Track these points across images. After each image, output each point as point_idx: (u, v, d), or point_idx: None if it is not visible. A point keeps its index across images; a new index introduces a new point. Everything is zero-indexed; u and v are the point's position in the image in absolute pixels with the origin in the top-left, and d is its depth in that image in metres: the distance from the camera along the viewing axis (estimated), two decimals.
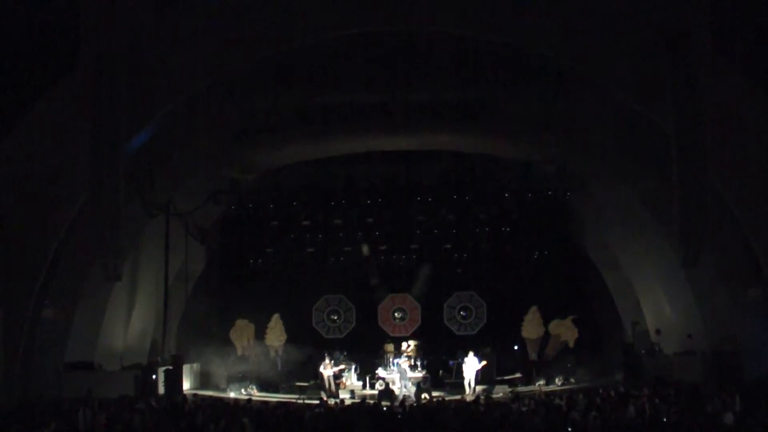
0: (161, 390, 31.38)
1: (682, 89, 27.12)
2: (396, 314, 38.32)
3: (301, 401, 28.91)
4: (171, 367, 32.26)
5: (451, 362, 35.45)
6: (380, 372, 34.14)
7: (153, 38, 28.82)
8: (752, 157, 28.17)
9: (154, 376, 31.57)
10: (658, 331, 33.77)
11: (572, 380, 34.39)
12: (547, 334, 36.84)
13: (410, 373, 32.74)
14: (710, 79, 27.54)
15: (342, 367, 34.32)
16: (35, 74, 29.43)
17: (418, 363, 34.16)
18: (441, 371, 35.53)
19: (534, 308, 36.87)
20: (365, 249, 37.93)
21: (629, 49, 28.08)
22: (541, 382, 33.91)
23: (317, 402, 26.97)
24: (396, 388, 32.22)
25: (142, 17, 28.89)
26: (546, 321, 36.73)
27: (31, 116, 29.35)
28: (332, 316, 38.45)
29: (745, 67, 28.46)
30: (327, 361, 33.50)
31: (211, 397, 31.11)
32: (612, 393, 25.56)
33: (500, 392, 31.95)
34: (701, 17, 27.97)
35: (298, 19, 28.23)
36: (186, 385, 33.44)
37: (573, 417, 21.08)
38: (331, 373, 33.19)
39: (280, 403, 26.57)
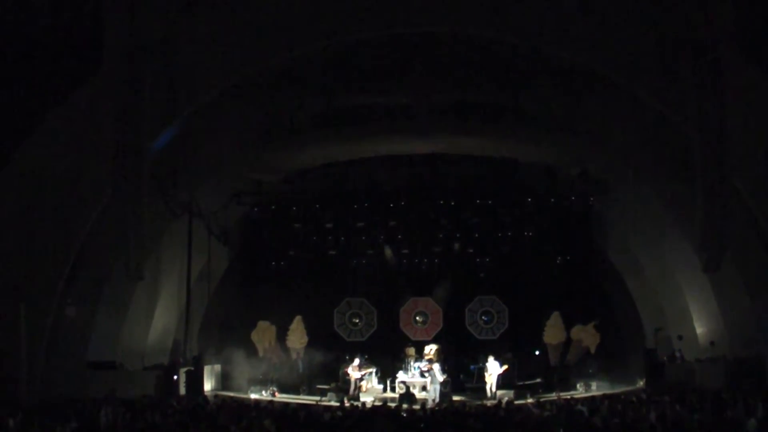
0: (182, 391, 31.46)
1: (707, 93, 26.96)
2: (417, 318, 38.29)
3: (321, 403, 28.87)
4: (192, 368, 32.34)
5: (472, 366, 35.32)
6: (401, 375, 34.07)
7: (178, 38, 28.77)
8: None
9: (175, 377, 31.63)
10: (680, 338, 33.60)
11: (594, 386, 34.19)
12: (568, 339, 36.70)
13: (439, 377, 32.50)
14: (736, 84, 27.38)
15: (370, 370, 34.27)
16: (61, 73, 29.56)
17: (439, 367, 34.06)
18: (462, 375, 35.41)
19: (556, 313, 36.73)
20: (388, 253, 37.88)
21: (655, 53, 27.88)
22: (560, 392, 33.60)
23: (338, 404, 26.95)
24: (425, 394, 32.13)
25: (167, 17, 28.88)
26: (568, 326, 36.59)
27: (56, 115, 29.51)
28: (354, 319, 38.43)
29: None
30: (356, 363, 33.46)
31: (232, 398, 31.13)
32: (634, 399, 25.42)
33: (522, 398, 31.79)
34: (727, 21, 27.77)
35: (323, 20, 28.24)
36: (207, 386, 33.51)
37: (594, 423, 20.98)
38: (359, 376, 33.14)
39: (300, 405, 26.57)
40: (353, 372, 33.12)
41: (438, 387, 31.92)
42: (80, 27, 29.59)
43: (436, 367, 32.97)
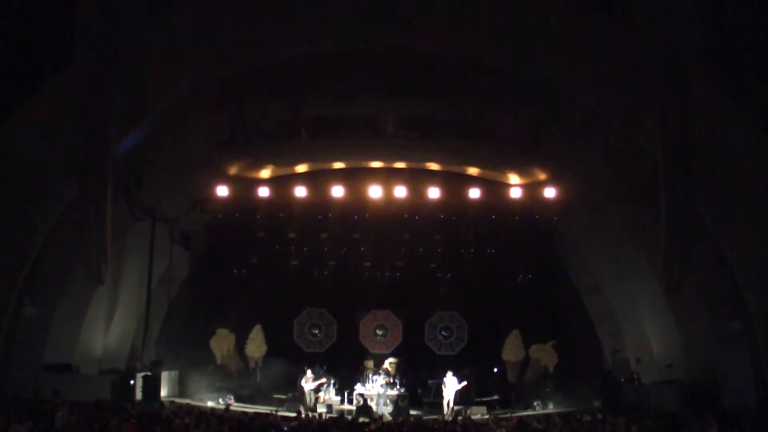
0: (138, 396, 31.23)
1: (672, 116, 27.20)
2: (377, 331, 38.23)
3: (278, 413, 28.75)
4: (149, 374, 32.11)
5: (430, 381, 35.26)
6: (359, 388, 34.02)
7: (146, 40, 28.63)
8: (738, 187, 28.15)
9: (132, 382, 31.39)
10: (638, 360, 33.77)
11: (550, 405, 34.28)
12: (527, 358, 36.76)
13: (388, 391, 32.62)
14: (702, 109, 27.62)
15: (322, 381, 34.17)
16: (26, 71, 29.34)
17: (397, 381, 34.09)
18: (420, 390, 35.36)
19: (515, 331, 36.77)
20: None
21: (622, 75, 28.07)
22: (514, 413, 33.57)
23: (294, 415, 26.87)
24: (373, 405, 32.20)
25: (136, 17, 28.72)
26: (527, 345, 36.64)
27: (20, 113, 29.23)
28: (313, 330, 38.29)
29: (738, 97, 28.47)
30: (309, 374, 33.39)
31: (188, 405, 30.92)
32: (589, 419, 25.51)
33: (478, 413, 31.85)
34: (696, 47, 27.96)
35: (289, 29, 28.24)
36: (163, 392, 33.22)
37: None
38: (313, 387, 33.11)
39: (257, 414, 26.46)
40: (306, 384, 33.10)
41: (384, 401, 32.05)
42: (49, 23, 29.38)
43: (380, 380, 33.15)
